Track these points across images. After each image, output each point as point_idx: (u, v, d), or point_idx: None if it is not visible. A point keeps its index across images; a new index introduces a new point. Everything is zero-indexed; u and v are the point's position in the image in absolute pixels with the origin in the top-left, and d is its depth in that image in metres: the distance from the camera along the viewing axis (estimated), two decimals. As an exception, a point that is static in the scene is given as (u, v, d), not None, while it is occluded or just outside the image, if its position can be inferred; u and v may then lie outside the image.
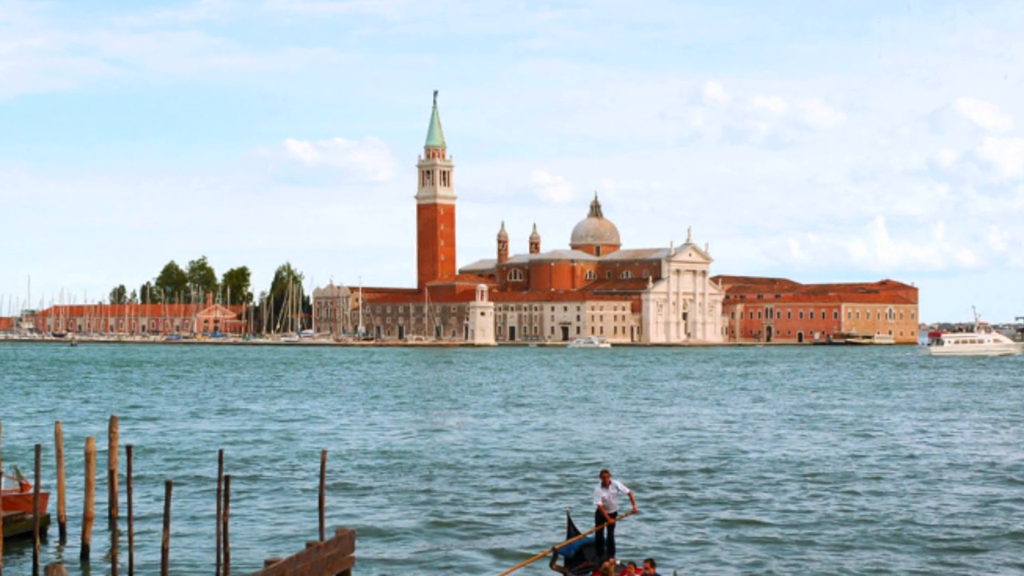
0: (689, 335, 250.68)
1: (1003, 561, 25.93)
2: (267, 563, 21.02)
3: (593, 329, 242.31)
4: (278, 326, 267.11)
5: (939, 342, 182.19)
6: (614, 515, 22.29)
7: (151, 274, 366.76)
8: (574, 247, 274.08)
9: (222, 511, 21.28)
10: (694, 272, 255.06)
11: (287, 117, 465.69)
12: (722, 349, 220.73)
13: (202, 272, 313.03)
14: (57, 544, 26.82)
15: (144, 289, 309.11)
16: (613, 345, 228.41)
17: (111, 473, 27.27)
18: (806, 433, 53.84)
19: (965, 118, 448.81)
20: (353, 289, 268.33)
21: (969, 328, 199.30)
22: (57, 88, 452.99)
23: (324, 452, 26.10)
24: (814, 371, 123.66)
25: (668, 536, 28.34)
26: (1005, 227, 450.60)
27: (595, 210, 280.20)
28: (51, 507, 28.09)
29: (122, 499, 28.34)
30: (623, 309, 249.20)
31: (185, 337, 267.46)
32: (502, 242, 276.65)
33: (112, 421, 28.43)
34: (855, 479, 38.02)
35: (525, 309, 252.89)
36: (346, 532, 23.74)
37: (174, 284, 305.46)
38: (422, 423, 59.24)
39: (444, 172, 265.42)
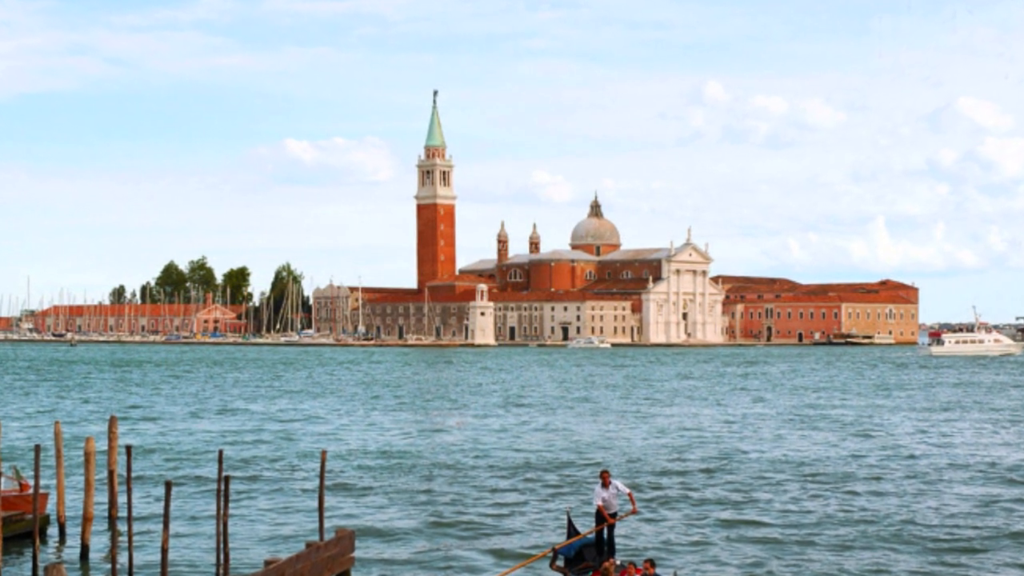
0: (689, 335, 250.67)
1: (1003, 561, 25.91)
2: (267, 563, 21.01)
3: (593, 329, 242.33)
4: (278, 326, 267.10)
5: (939, 342, 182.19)
6: (614, 515, 22.27)
7: (151, 274, 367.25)
8: (574, 247, 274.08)
9: (222, 511, 21.27)
10: (694, 272, 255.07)
11: (287, 117, 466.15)
12: (722, 349, 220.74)
13: (202, 272, 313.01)
14: (57, 544, 26.81)
15: (144, 289, 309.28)
16: (613, 345, 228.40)
17: (111, 473, 27.24)
18: (806, 433, 53.82)
19: (966, 118, 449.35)
20: (353, 289, 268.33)
21: (969, 328, 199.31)
22: (56, 88, 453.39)
23: (324, 452, 26.09)
24: (814, 371, 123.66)
25: (668, 536, 28.32)
26: (1006, 227, 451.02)
27: (595, 210, 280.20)
28: (51, 507, 28.08)
29: (122, 499, 28.32)
30: (623, 309, 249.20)
31: (185, 337, 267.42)
32: (502, 242, 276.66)
33: (112, 421, 28.42)
34: (855, 479, 38.00)
35: (525, 309, 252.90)
36: (346, 532, 23.73)
37: (174, 284, 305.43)
38: (422, 423, 59.22)
39: (444, 172, 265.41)
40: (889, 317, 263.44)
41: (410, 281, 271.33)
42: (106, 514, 28.23)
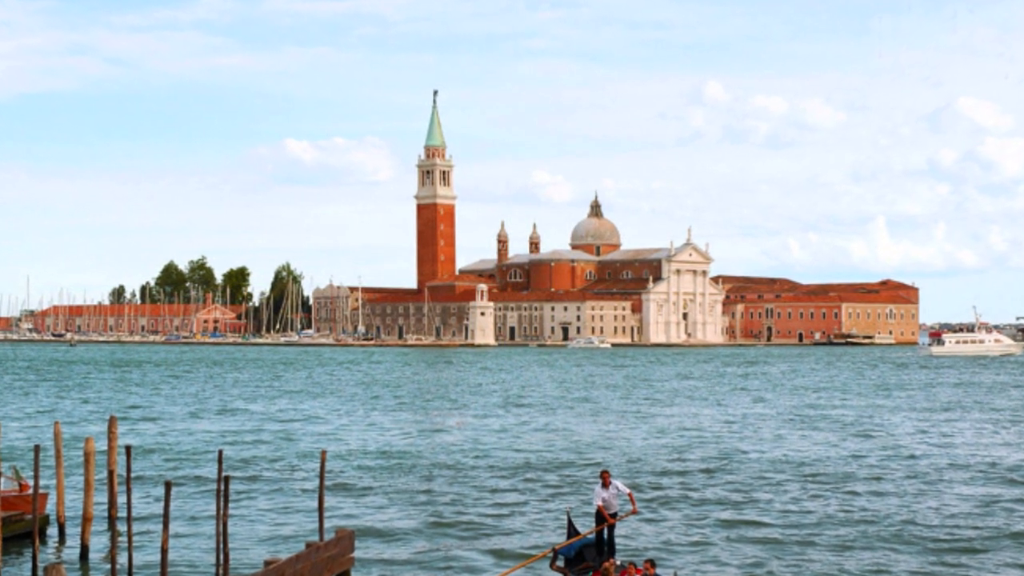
0: (689, 335, 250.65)
1: (1004, 562, 25.89)
2: (267, 563, 20.98)
3: (593, 329, 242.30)
4: (278, 326, 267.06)
5: (940, 342, 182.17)
6: (614, 515, 22.25)
7: (150, 274, 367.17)
8: (574, 247, 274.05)
9: (222, 511, 21.24)
10: (694, 272, 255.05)
11: (287, 117, 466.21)
12: (722, 349, 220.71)
13: (201, 272, 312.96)
14: (56, 544, 26.78)
15: (143, 289, 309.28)
16: (613, 345, 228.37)
17: (110, 473, 27.21)
18: (806, 433, 53.79)
19: (966, 118, 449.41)
20: (353, 289, 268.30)
21: (970, 328, 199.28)
22: (56, 88, 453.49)
23: (324, 452, 26.08)
24: (814, 371, 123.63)
25: (668, 536, 28.29)
26: (1006, 227, 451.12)
27: (595, 210, 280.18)
28: (50, 507, 28.05)
29: (121, 499, 28.32)
30: (623, 309, 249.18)
31: (184, 337, 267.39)
32: (502, 242, 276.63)
33: (111, 421, 28.39)
34: (856, 479, 37.97)
35: (525, 309, 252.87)
36: (346, 532, 23.70)
37: (173, 284, 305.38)
38: (422, 423, 59.19)
39: (444, 172, 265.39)
40: (889, 317, 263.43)
41: (410, 281, 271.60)
42: (106, 514, 28.20)
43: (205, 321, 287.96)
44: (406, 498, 34.09)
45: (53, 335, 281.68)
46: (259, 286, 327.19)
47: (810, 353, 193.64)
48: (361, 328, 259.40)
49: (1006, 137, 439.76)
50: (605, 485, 22.16)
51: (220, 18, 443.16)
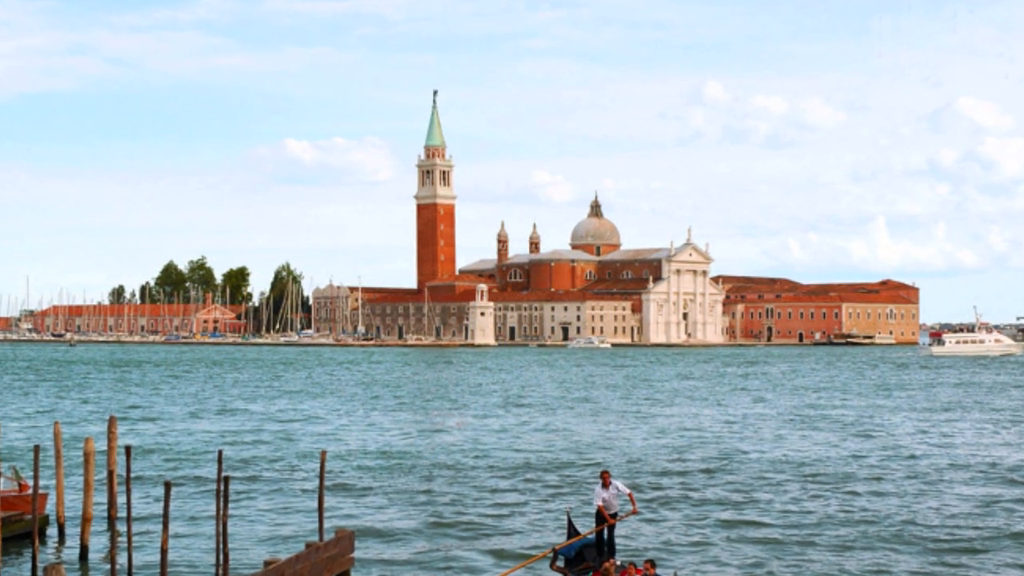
0: (689, 335, 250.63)
1: (1004, 562, 25.87)
2: (266, 564, 20.96)
3: (593, 329, 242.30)
4: (277, 326, 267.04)
5: (940, 342, 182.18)
6: (614, 516, 22.23)
7: (150, 274, 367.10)
8: (574, 247, 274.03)
9: (221, 512, 21.22)
10: (694, 272, 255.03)
11: (287, 117, 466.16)
12: (723, 349, 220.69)
13: (201, 272, 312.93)
14: (56, 545, 26.76)
15: (143, 289, 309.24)
16: (613, 345, 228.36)
17: (110, 474, 27.20)
18: (807, 433, 53.77)
19: (966, 118, 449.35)
20: (353, 289, 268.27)
21: (970, 328, 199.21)
22: (56, 88, 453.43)
23: (324, 452, 26.07)
24: (815, 371, 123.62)
25: (668, 537, 28.27)
26: (1006, 227, 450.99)
27: (595, 210, 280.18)
28: (50, 508, 28.03)
29: (121, 500, 28.31)
30: (623, 309, 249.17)
31: (184, 337, 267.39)
32: (502, 242, 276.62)
33: (111, 421, 28.37)
34: (856, 480, 37.96)
35: (525, 309, 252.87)
36: (346, 533, 23.69)
37: (173, 284, 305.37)
38: (422, 423, 59.17)
39: (444, 172, 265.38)
40: (890, 317, 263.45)
41: (410, 281, 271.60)
42: (105, 514, 28.18)
43: (205, 321, 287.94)
44: (406, 498, 34.07)
45: (53, 335, 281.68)
46: (259, 286, 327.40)
47: (810, 353, 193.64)
48: (361, 328, 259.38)
49: (1006, 137, 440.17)
50: (605, 485, 22.14)
51: (220, 18, 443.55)
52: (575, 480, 37.66)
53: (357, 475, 38.79)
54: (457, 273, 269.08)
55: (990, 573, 24.98)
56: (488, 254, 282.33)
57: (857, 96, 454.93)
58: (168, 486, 20.48)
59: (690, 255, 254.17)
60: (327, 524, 24.76)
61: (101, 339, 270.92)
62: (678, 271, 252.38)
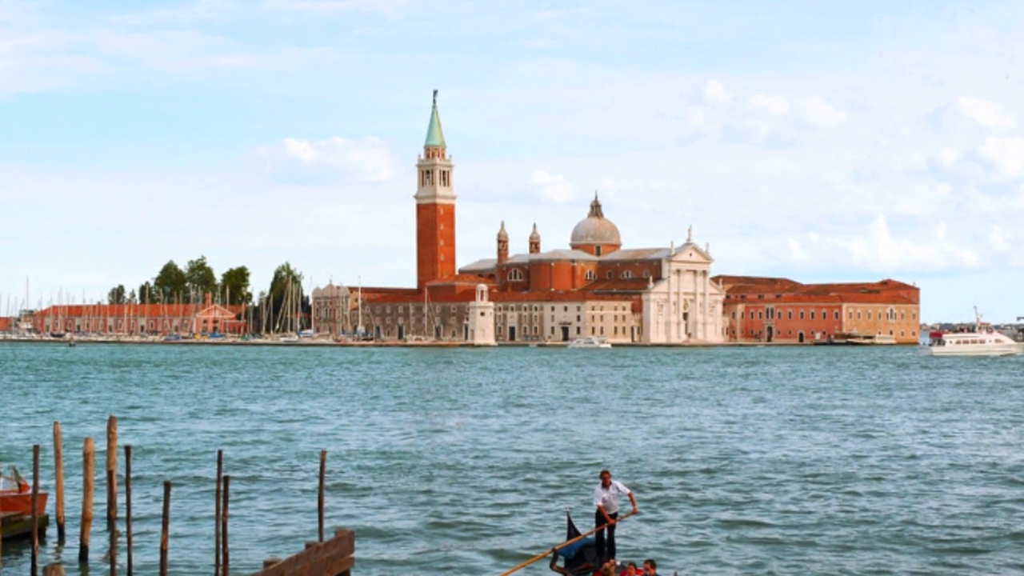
0: (690, 335, 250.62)
1: (1005, 562, 25.85)
2: (266, 564, 20.93)
3: (593, 329, 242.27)
4: (277, 326, 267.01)
5: (940, 342, 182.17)
6: (614, 516, 22.20)
7: (150, 274, 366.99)
8: (574, 247, 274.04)
9: (221, 512, 21.19)
10: (695, 272, 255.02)
11: (286, 117, 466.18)
12: (723, 349, 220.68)
13: (201, 272, 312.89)
14: (56, 545, 26.74)
15: (143, 289, 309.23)
16: (613, 345, 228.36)
17: (110, 474, 27.16)
18: (807, 434, 53.74)
19: (967, 117, 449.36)
20: (352, 289, 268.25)
21: (971, 328, 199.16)
22: (56, 87, 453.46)
23: (323, 453, 26.05)
24: (815, 371, 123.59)
25: (669, 537, 28.25)
26: (1007, 227, 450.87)
27: (595, 210, 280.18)
28: (50, 508, 28.01)
29: (121, 500, 28.28)
30: (623, 309, 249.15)
31: (184, 337, 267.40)
32: (502, 242, 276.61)
33: (111, 421, 28.34)
34: (856, 480, 37.93)
35: (525, 309, 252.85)
36: (345, 533, 23.66)
37: (173, 284, 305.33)
38: (422, 423, 59.14)
39: (444, 172, 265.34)
40: (890, 317, 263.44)
41: (410, 281, 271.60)
42: (105, 515, 28.15)
43: (204, 321, 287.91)
44: (406, 498, 34.05)
45: (52, 335, 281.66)
46: (259, 286, 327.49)
47: (810, 353, 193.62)
48: (361, 328, 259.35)
49: (1007, 137, 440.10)
50: (605, 485, 22.12)
51: (220, 18, 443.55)
52: (575, 480, 37.64)
53: (357, 475, 38.77)
54: (457, 273, 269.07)
55: (990, 573, 24.96)
56: (488, 254, 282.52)
57: (857, 96, 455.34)
58: (168, 486, 20.46)
59: (690, 255, 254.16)
60: (327, 524, 24.74)
61: (101, 339, 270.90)
62: (678, 271, 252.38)
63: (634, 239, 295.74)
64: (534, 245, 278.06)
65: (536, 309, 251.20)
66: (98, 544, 26.35)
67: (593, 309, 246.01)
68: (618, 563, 21.19)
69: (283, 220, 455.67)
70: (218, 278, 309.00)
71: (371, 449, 46.39)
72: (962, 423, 59.70)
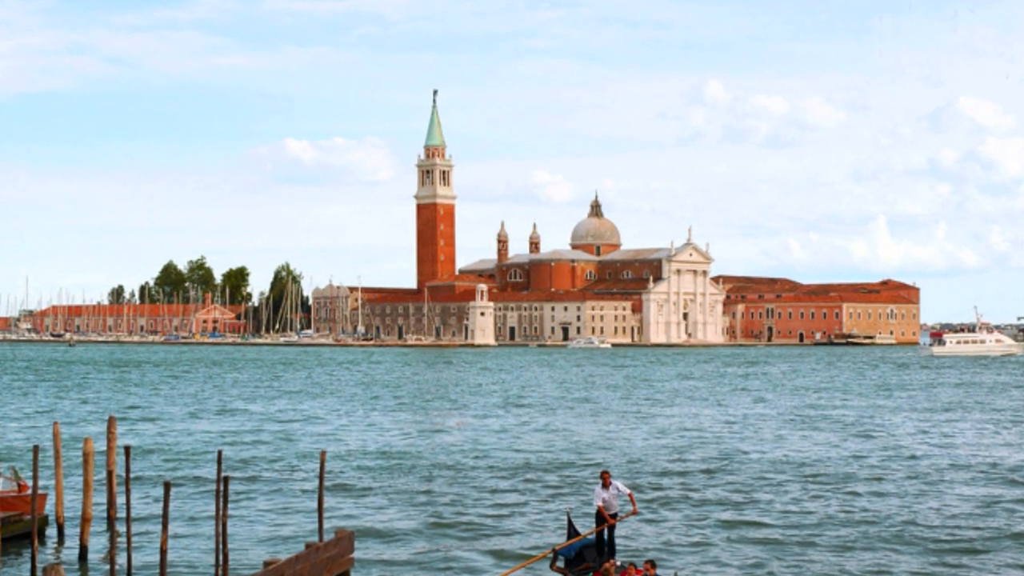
0: (690, 335, 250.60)
1: (1005, 562, 25.83)
2: (266, 564, 20.92)
3: (593, 329, 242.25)
4: (277, 326, 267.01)
5: (941, 342, 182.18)
6: (615, 516, 22.19)
7: (150, 274, 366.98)
8: (574, 247, 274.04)
9: (221, 512, 21.18)
10: (695, 272, 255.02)
11: (286, 117, 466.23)
12: (723, 349, 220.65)
13: (201, 272, 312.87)
14: (55, 545, 26.72)
15: (143, 289, 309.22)
16: (613, 345, 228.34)
17: (109, 474, 27.15)
18: (807, 434, 53.72)
19: (967, 117, 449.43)
20: (352, 289, 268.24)
21: (971, 328, 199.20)
22: (55, 87, 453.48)
23: (323, 453, 26.04)
24: (815, 371, 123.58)
25: (669, 537, 28.23)
26: (1007, 227, 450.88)
27: (595, 210, 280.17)
28: (49, 508, 27.99)
29: (121, 500, 28.26)
30: (623, 309, 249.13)
31: (184, 337, 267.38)
32: (502, 242, 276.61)
33: (111, 422, 28.33)
34: (856, 480, 37.92)
35: (525, 309, 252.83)
36: (345, 533, 23.64)
37: (173, 284, 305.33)
38: (422, 424, 59.12)
39: (444, 172, 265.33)
40: (890, 317, 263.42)
41: (410, 281, 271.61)
42: (105, 515, 28.14)
43: (204, 321, 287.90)
44: (406, 498, 34.03)
45: (52, 335, 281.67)
46: (258, 286, 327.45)
47: (811, 353, 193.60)
48: (361, 328, 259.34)
49: (1007, 137, 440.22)
50: (605, 486, 22.10)
51: (220, 18, 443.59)
52: (575, 480, 37.62)
53: (357, 475, 38.75)
54: (457, 273, 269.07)
55: (991, 573, 24.95)
56: (488, 254, 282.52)
57: (857, 96, 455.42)
58: (167, 486, 20.44)
59: (690, 255, 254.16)
60: (327, 524, 24.73)
61: (100, 339, 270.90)
62: (678, 271, 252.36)
63: (634, 239, 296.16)
64: (534, 245, 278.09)
65: (536, 309, 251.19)
66: (98, 544, 26.34)
67: (593, 309, 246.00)
68: (618, 563, 21.17)
69: (283, 220, 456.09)
70: (218, 278, 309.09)
71: (371, 449, 46.38)
72: (962, 423, 59.69)
